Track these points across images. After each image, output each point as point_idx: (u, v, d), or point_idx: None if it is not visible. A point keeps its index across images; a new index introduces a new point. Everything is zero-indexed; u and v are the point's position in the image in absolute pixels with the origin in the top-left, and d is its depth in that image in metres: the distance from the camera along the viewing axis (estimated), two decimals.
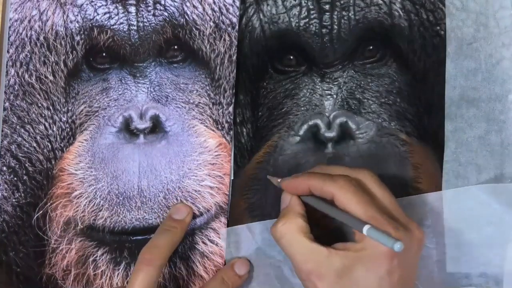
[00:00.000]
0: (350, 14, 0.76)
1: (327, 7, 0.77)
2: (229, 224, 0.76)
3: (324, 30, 0.76)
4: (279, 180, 0.71)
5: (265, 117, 0.78)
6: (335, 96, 0.77)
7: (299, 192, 0.68)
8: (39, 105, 0.76)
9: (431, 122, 0.76)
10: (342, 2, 0.76)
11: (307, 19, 0.77)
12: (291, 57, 0.78)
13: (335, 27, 0.76)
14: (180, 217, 0.73)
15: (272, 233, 0.67)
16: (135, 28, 0.76)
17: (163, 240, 0.71)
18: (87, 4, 0.75)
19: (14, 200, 0.75)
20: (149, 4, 0.76)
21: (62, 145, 0.76)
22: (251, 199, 0.77)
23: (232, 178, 0.76)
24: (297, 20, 0.77)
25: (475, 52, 0.76)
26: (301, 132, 0.77)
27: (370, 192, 0.65)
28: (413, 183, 0.76)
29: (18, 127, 0.75)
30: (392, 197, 0.66)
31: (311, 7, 0.77)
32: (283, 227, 0.66)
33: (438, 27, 0.76)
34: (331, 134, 0.77)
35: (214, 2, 0.76)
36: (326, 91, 0.77)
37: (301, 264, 0.64)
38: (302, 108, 0.77)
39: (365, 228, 0.60)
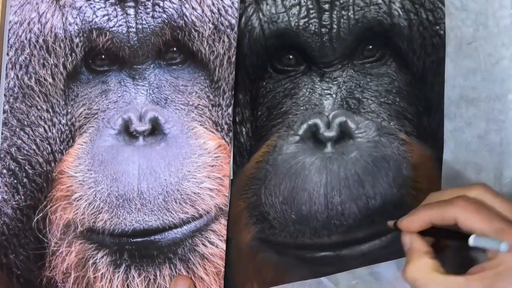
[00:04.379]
0: (349, 14, 0.75)
1: (326, 6, 0.75)
2: (228, 225, 0.75)
3: (323, 30, 0.75)
4: (391, 223, 0.70)
5: (264, 116, 0.77)
6: (334, 95, 0.76)
7: (420, 228, 0.66)
8: (39, 107, 0.74)
9: (430, 121, 0.76)
10: (341, 1, 0.75)
11: (307, 19, 0.75)
12: (291, 57, 0.77)
13: (335, 26, 0.75)
14: None
15: (404, 278, 0.65)
16: (134, 30, 0.74)
17: None
18: (86, 7, 0.74)
19: (14, 203, 0.74)
20: (148, 6, 0.74)
21: (61, 148, 0.75)
22: (250, 198, 0.76)
23: (231, 177, 0.75)
24: (296, 20, 0.75)
25: (474, 52, 0.76)
26: (300, 132, 0.76)
27: (489, 206, 0.63)
28: (412, 182, 0.76)
29: (17, 129, 0.74)
30: (510, 204, 0.64)
31: (310, 6, 0.75)
32: (413, 270, 0.64)
33: (437, 27, 0.76)
34: (330, 133, 0.76)
35: (213, 4, 0.74)
36: (326, 91, 0.76)
37: None
38: (302, 108, 0.76)
39: (471, 240, 0.60)
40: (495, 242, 0.58)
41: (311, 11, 0.75)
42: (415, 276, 0.63)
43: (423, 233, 0.66)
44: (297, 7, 0.75)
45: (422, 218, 0.65)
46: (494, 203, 0.63)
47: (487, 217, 0.61)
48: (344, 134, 0.76)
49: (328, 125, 0.76)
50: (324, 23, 0.75)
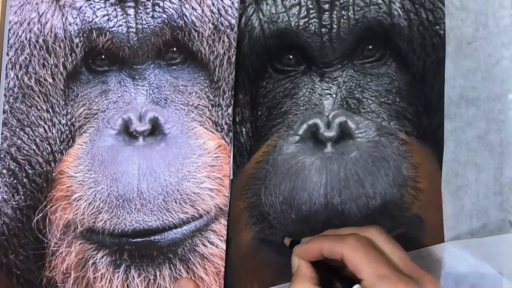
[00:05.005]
0: (349, 14, 0.75)
1: (326, 6, 0.75)
2: (228, 225, 0.74)
3: (323, 30, 0.75)
4: (288, 241, 0.70)
5: (264, 116, 0.76)
6: (334, 95, 0.76)
7: (312, 258, 0.66)
8: (39, 107, 0.74)
9: (430, 121, 0.76)
10: (341, 1, 0.75)
11: (307, 19, 0.75)
12: (291, 57, 0.76)
13: (335, 26, 0.75)
14: None
15: None
16: (133, 30, 0.74)
17: None
18: (85, 7, 0.74)
19: (14, 203, 0.74)
20: (148, 6, 0.74)
21: (61, 148, 0.74)
22: (250, 198, 0.75)
23: (231, 177, 0.75)
24: (296, 20, 0.75)
25: (474, 52, 0.75)
26: (300, 132, 0.76)
27: (380, 250, 0.62)
28: (412, 182, 0.76)
29: (17, 129, 0.74)
30: (403, 252, 0.63)
31: (310, 6, 0.75)
32: None
33: (437, 27, 0.75)
34: (330, 133, 0.75)
35: (213, 4, 0.74)
36: (326, 91, 0.76)
37: None
38: (302, 108, 0.76)
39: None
40: None
41: (311, 11, 0.75)
42: None
43: (315, 263, 0.66)
44: (297, 7, 0.75)
45: (314, 249, 0.65)
46: (385, 248, 0.63)
47: (373, 261, 0.60)
48: (344, 134, 0.76)
49: (328, 125, 0.75)
50: (324, 23, 0.75)
